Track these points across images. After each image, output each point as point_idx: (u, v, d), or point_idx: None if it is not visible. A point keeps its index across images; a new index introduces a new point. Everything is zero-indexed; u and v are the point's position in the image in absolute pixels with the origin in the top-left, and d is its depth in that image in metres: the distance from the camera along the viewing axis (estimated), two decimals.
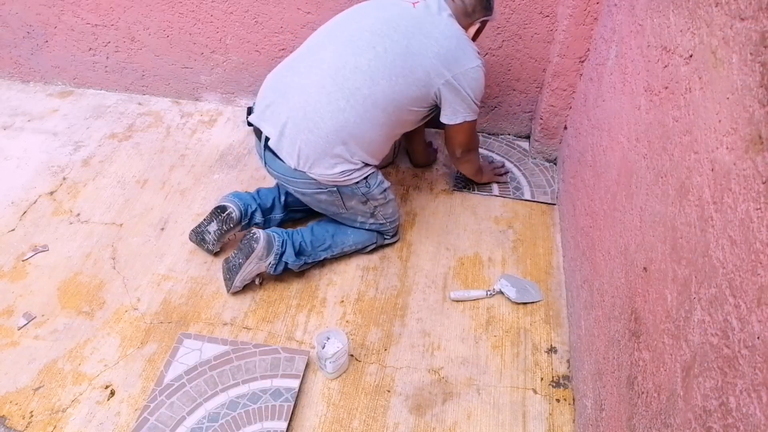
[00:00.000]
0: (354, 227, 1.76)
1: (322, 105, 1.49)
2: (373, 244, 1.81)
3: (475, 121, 1.69)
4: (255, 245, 1.59)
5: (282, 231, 1.68)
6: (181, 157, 2.20)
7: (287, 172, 1.57)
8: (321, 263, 1.79)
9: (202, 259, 1.80)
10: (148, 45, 2.32)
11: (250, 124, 1.59)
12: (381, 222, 1.75)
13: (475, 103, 1.63)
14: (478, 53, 1.60)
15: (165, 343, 1.57)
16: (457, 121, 1.65)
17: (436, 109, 1.67)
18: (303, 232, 1.72)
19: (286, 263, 1.66)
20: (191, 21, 2.21)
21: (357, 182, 1.58)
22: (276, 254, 1.63)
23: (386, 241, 1.85)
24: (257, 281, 1.71)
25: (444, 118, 1.66)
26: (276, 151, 1.55)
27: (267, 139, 1.56)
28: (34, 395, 1.45)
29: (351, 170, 1.55)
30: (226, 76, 2.37)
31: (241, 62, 2.31)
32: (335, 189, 1.58)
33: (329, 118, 1.49)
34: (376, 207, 1.69)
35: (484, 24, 1.69)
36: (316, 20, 2.11)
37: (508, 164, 2.22)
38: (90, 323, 1.61)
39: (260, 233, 1.61)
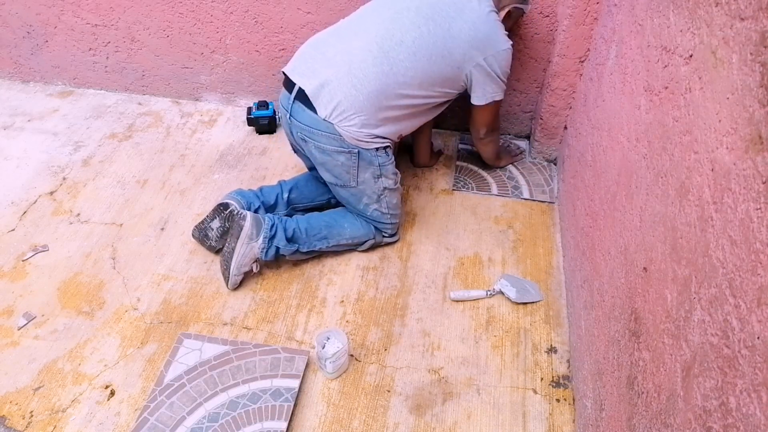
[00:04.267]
0: (356, 210, 1.76)
1: (367, 65, 1.54)
2: (370, 240, 1.81)
3: (501, 101, 1.77)
4: (243, 223, 1.62)
5: (274, 216, 1.71)
6: (181, 157, 2.20)
7: (314, 123, 1.58)
8: (321, 263, 1.80)
9: (202, 259, 1.80)
10: (148, 45, 2.32)
11: (286, 81, 1.65)
12: (383, 211, 1.75)
13: (503, 81, 1.72)
14: (508, 36, 1.68)
15: (165, 343, 1.57)
16: (486, 101, 1.73)
17: (456, 97, 1.73)
18: (298, 220, 1.73)
19: (278, 248, 1.66)
20: (191, 21, 2.21)
21: (377, 148, 1.62)
22: (265, 236, 1.64)
23: (384, 240, 1.84)
24: (254, 268, 1.69)
25: (475, 100, 1.73)
26: (312, 99, 1.56)
27: (299, 91, 1.58)
28: (34, 395, 1.45)
29: (376, 135, 1.60)
30: (226, 76, 2.37)
31: (241, 62, 2.31)
32: (356, 152, 1.60)
33: (373, 78, 1.54)
34: (384, 189, 1.71)
35: (517, 12, 1.75)
36: (316, 20, 2.11)
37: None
38: (90, 323, 1.61)
39: (247, 213, 1.65)
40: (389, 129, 1.63)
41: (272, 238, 1.66)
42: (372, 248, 1.84)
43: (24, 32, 2.35)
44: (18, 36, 2.37)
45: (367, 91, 1.54)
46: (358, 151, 1.60)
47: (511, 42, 1.67)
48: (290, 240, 1.68)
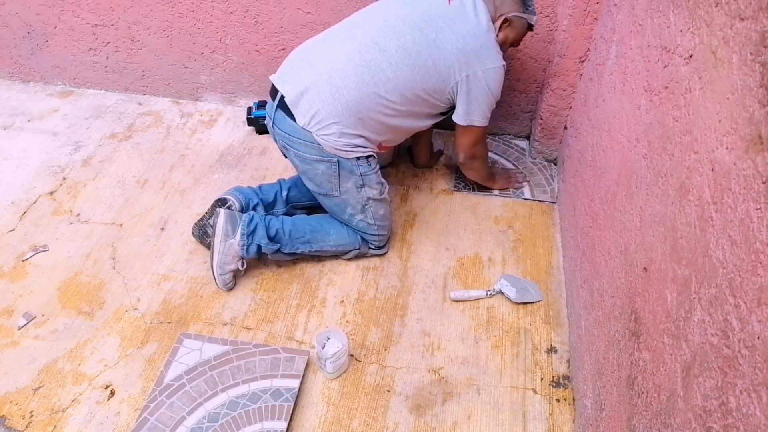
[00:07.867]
0: (342, 220, 1.74)
1: (347, 74, 1.52)
2: (355, 250, 1.78)
3: (483, 128, 1.71)
4: (216, 220, 1.61)
5: (258, 214, 1.69)
6: (181, 157, 2.20)
7: (293, 131, 1.56)
8: (321, 263, 1.80)
9: (202, 258, 1.80)
10: (148, 45, 2.32)
11: (273, 91, 1.62)
12: (370, 222, 1.72)
13: (488, 103, 1.65)
14: (502, 56, 1.62)
15: (165, 343, 1.57)
16: (467, 123, 1.68)
17: (450, 110, 1.70)
18: (284, 220, 1.71)
19: (259, 246, 1.65)
20: (191, 21, 2.21)
21: (358, 158, 1.59)
22: (243, 233, 1.62)
23: (370, 252, 1.81)
24: (240, 266, 1.67)
25: (455, 117, 1.68)
26: (291, 107, 1.54)
27: (282, 98, 1.57)
28: (34, 395, 1.45)
29: (356, 145, 1.57)
30: (226, 76, 2.37)
31: (241, 62, 2.31)
32: (336, 161, 1.58)
33: (353, 87, 1.52)
34: (369, 200, 1.68)
35: (519, 22, 1.64)
36: (316, 20, 2.11)
37: (507, 164, 2.23)
38: (90, 323, 1.61)
39: (220, 210, 1.64)
40: (369, 139, 1.59)
41: (252, 234, 1.63)
42: (357, 258, 1.81)
43: (24, 32, 2.35)
44: (18, 36, 2.37)
45: (345, 99, 1.51)
46: (338, 160, 1.58)
47: (503, 63, 1.61)
48: (272, 239, 1.66)
